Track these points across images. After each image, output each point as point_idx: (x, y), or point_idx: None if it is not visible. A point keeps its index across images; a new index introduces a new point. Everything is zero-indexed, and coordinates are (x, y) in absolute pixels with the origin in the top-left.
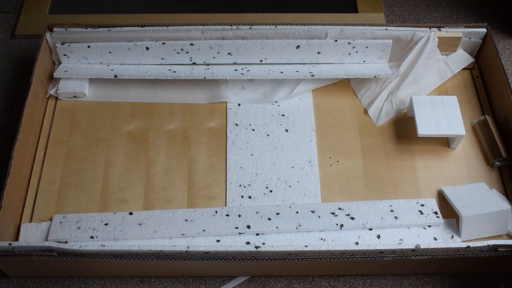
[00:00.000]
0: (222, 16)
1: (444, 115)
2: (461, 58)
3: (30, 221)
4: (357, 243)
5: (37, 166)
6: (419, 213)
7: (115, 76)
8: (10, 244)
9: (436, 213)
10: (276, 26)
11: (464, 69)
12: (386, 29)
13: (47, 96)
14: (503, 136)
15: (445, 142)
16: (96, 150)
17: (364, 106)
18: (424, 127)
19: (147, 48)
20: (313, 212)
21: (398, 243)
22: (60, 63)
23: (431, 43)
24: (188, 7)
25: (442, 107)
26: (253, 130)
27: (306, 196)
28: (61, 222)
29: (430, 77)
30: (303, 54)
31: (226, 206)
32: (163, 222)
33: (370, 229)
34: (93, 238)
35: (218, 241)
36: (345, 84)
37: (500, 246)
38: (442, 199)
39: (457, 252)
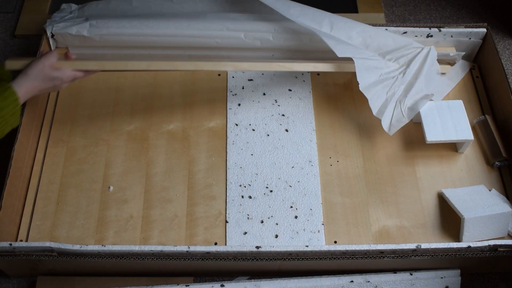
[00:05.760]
0: None
1: (451, 120)
2: (459, 70)
3: (30, 221)
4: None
5: (37, 166)
6: None
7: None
8: (10, 244)
9: None
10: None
11: None
12: (386, 29)
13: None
14: (503, 136)
15: (448, 146)
16: (96, 150)
17: (374, 114)
18: (432, 134)
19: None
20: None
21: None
22: None
23: (431, 55)
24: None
25: (448, 112)
26: (253, 130)
27: (306, 196)
28: None
29: (433, 90)
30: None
31: (226, 205)
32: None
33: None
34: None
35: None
36: (346, 84)
37: (500, 246)
38: (442, 200)
39: (458, 252)
